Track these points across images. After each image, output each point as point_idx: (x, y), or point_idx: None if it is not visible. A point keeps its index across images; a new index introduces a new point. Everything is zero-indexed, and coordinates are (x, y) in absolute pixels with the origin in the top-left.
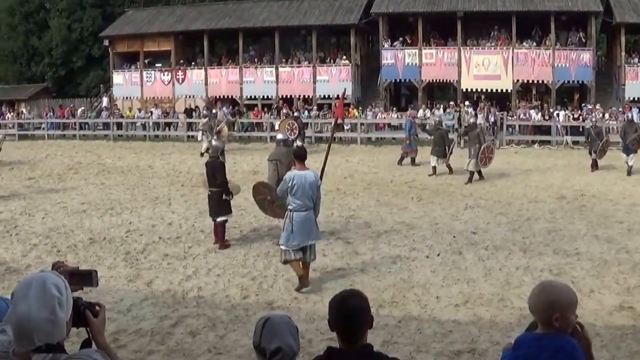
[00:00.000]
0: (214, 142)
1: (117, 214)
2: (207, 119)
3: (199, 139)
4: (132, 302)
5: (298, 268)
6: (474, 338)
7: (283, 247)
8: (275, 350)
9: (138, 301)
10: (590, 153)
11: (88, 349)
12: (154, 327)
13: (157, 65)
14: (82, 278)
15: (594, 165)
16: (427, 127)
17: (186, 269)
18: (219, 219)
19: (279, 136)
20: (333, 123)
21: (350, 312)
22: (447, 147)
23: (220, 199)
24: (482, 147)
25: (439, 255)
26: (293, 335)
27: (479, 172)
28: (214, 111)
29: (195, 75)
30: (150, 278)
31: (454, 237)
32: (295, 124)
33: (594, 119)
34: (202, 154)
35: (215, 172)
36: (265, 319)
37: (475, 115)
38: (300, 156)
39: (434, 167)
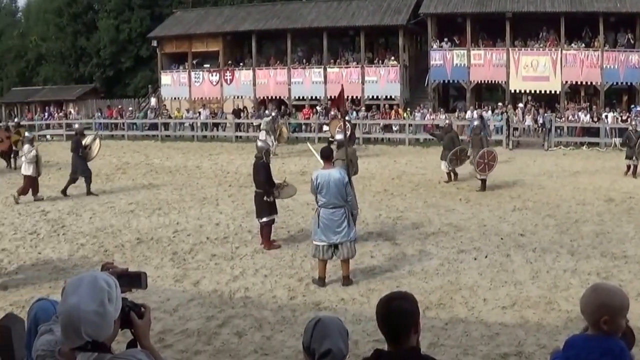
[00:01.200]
0: (259, 143)
1: (165, 214)
2: (269, 118)
3: (262, 138)
4: (178, 302)
5: (322, 269)
6: (520, 341)
7: (313, 242)
8: (324, 352)
9: (185, 301)
10: (628, 158)
11: (133, 349)
12: (201, 327)
13: (205, 65)
14: (131, 280)
15: (633, 171)
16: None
17: (233, 269)
18: (261, 220)
19: (338, 137)
20: (344, 124)
21: (393, 314)
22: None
23: (262, 199)
24: (480, 152)
25: (486, 257)
26: (343, 338)
27: (483, 182)
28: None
29: (244, 75)
30: (197, 278)
31: (502, 239)
32: (348, 125)
33: (634, 123)
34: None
35: (257, 173)
36: (316, 320)
37: (481, 117)
38: (325, 155)
39: (448, 173)
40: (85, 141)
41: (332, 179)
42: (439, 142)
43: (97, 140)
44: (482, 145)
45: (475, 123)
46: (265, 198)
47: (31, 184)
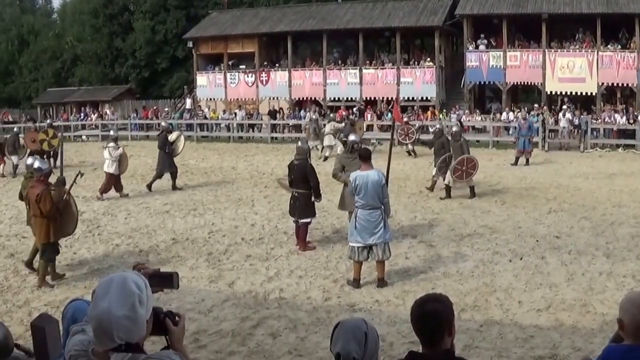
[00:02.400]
0: (299, 144)
1: (200, 214)
2: (334, 123)
3: (327, 143)
4: (213, 303)
5: (357, 270)
6: (555, 344)
7: (350, 244)
8: (335, 356)
9: (219, 302)
10: None
11: (167, 350)
12: (235, 328)
13: (241, 66)
14: (163, 280)
15: None
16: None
17: (268, 270)
18: (302, 221)
19: (352, 137)
20: (392, 127)
21: (427, 316)
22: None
23: (308, 201)
24: (459, 158)
25: (521, 259)
26: (358, 341)
27: (471, 189)
28: (314, 117)
29: (279, 76)
30: (232, 279)
31: (537, 241)
32: (412, 129)
33: None
34: (325, 158)
35: (308, 175)
36: (337, 323)
37: (460, 123)
38: (364, 156)
39: (433, 183)
40: (171, 138)
41: (370, 180)
42: (430, 148)
43: (182, 137)
44: (462, 152)
45: (454, 129)
46: (313, 199)
47: (113, 182)
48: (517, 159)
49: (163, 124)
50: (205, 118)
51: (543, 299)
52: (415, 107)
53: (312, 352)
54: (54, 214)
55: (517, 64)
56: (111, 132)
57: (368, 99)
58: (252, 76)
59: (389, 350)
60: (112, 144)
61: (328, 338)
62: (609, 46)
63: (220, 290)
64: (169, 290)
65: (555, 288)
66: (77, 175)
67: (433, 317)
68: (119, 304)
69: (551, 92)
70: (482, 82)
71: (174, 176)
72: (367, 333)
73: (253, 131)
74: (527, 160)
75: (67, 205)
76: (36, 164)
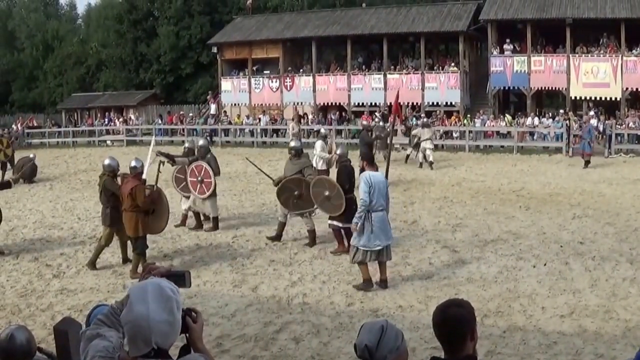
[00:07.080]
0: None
1: (224, 219)
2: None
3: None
4: (236, 308)
5: (366, 271)
6: (578, 350)
7: (362, 248)
8: (353, 348)
9: (243, 306)
10: None
11: (193, 354)
12: (258, 332)
13: (265, 72)
14: (176, 279)
15: None
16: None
17: (292, 275)
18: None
19: (292, 144)
20: (391, 123)
21: (448, 322)
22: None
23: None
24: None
25: (545, 265)
26: (373, 333)
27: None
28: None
29: (304, 82)
30: (255, 283)
31: (561, 247)
32: (388, 130)
33: None
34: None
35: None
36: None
37: (209, 137)
38: (369, 158)
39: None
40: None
41: (380, 180)
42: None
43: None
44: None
45: (201, 142)
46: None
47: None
48: (585, 161)
49: (364, 122)
50: (230, 123)
51: (566, 304)
52: (440, 113)
53: (335, 357)
54: (147, 207)
55: (542, 69)
56: (322, 130)
57: (392, 104)
58: (276, 81)
59: (412, 356)
60: (320, 142)
61: (351, 343)
62: (633, 51)
63: (244, 295)
64: (182, 288)
65: (579, 294)
66: (159, 165)
67: (455, 323)
68: (158, 309)
69: (575, 98)
70: (507, 87)
71: None
72: (384, 327)
73: (277, 136)
74: (588, 162)
75: (159, 199)
76: (132, 163)
